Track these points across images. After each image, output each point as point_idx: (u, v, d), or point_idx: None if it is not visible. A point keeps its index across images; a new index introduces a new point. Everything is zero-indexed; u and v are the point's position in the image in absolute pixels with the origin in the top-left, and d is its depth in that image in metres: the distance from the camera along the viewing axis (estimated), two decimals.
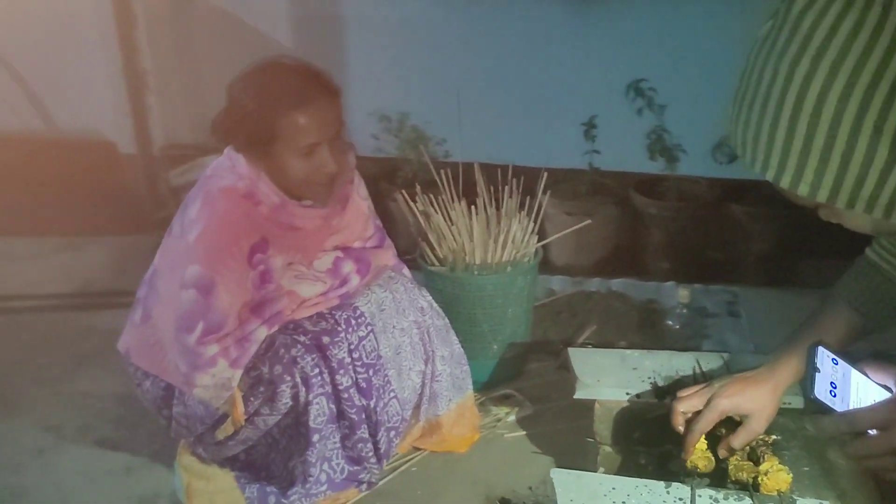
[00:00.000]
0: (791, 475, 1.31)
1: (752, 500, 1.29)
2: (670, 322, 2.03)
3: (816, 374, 1.01)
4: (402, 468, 1.82)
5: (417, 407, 1.81)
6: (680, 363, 1.67)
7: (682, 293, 2.01)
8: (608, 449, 1.60)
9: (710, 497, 1.31)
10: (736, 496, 1.31)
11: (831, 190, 0.83)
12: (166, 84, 3.10)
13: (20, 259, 2.97)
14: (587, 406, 1.85)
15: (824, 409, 1.00)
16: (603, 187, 2.72)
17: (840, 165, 0.81)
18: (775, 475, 1.31)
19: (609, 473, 1.46)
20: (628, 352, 1.74)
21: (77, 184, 3.29)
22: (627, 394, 1.60)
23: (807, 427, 1.35)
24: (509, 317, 2.04)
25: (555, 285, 2.59)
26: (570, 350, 1.75)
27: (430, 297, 1.82)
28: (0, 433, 2.00)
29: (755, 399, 1.31)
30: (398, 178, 2.69)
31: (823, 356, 1.02)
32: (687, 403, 1.37)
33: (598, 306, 2.45)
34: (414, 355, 1.76)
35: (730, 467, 1.36)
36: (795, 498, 1.30)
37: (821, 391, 0.99)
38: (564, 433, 1.90)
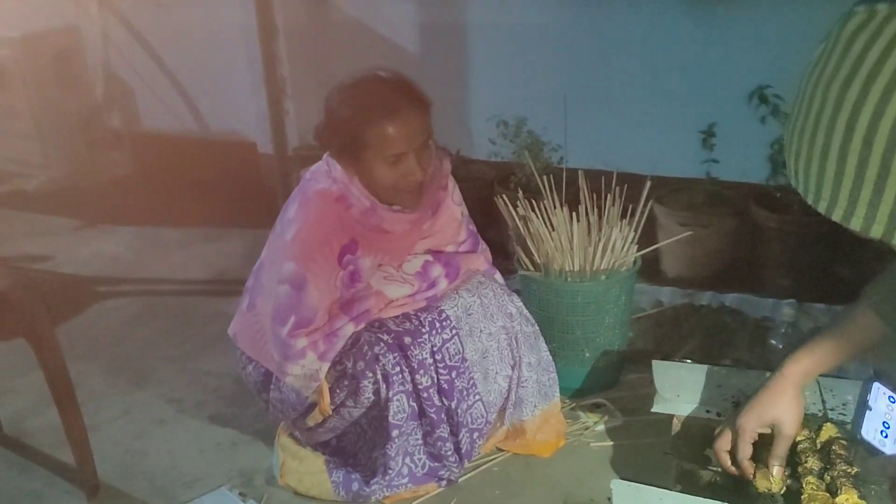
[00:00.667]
0: None
1: None
2: (773, 341, 1.96)
3: (867, 412, 0.96)
4: (484, 467, 1.87)
5: (503, 410, 1.85)
6: None
7: (787, 311, 1.93)
8: (686, 466, 1.58)
9: None
10: None
11: (886, 226, 0.78)
12: (302, 90, 3.30)
13: (166, 246, 3.26)
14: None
15: (872, 451, 0.95)
16: (721, 198, 2.64)
17: (895, 199, 0.77)
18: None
19: (685, 492, 1.44)
20: (715, 368, 1.71)
21: (220, 180, 3.57)
22: (708, 411, 1.57)
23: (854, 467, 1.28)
24: (604, 325, 2.03)
25: (664, 297, 2.55)
26: (655, 363, 1.74)
27: (520, 303, 1.85)
28: (130, 402, 2.22)
29: (775, 406, 1.32)
30: (511, 183, 2.73)
31: (878, 393, 0.97)
32: (723, 441, 1.37)
33: (705, 320, 2.39)
34: (501, 360, 1.80)
35: (804, 495, 1.32)
36: None
37: (869, 431, 0.95)
38: (651, 447, 1.88)
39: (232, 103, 3.55)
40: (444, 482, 1.78)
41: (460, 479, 1.81)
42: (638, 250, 2.09)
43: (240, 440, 2.02)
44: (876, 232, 0.80)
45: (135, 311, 2.75)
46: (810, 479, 1.33)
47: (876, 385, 0.97)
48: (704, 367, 1.72)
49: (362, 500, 1.75)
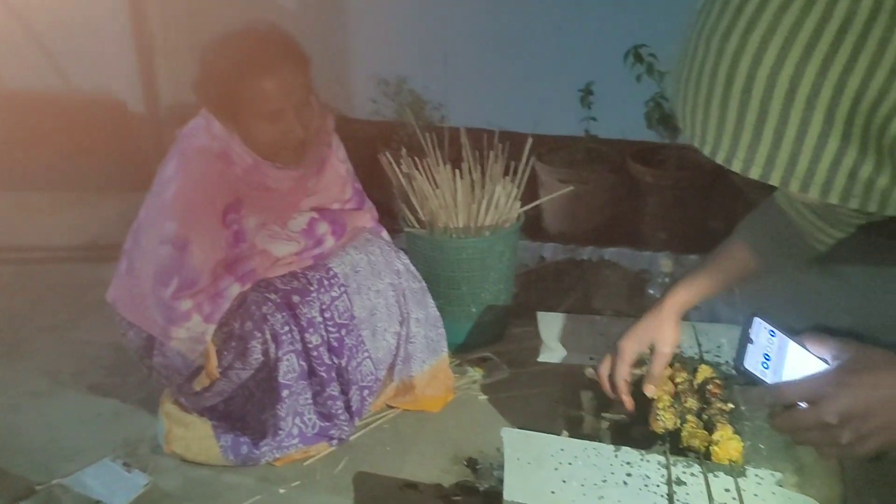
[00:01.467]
0: (743, 444, 1.34)
1: (702, 467, 1.32)
2: (652, 291, 2.05)
3: (749, 345, 1.02)
4: (374, 425, 1.88)
5: (391, 367, 1.86)
6: None
7: (664, 262, 2.02)
8: (573, 413, 1.64)
9: (659, 463, 1.34)
10: (686, 463, 1.34)
11: (764, 167, 0.83)
12: (174, 46, 3.15)
13: (34, 212, 3.08)
14: (560, 371, 1.90)
15: (754, 381, 1.01)
16: (600, 155, 2.71)
17: (773, 142, 0.81)
18: (726, 444, 1.34)
19: (572, 437, 1.50)
20: (597, 318, 1.77)
21: (89, 141, 3.39)
22: (592, 359, 1.63)
23: (736, 399, 1.37)
24: (489, 280, 2.07)
25: (546, 252, 2.61)
26: (540, 314, 1.79)
27: (407, 260, 1.86)
28: (2, 375, 2.10)
29: (652, 328, 1.42)
30: (394, 142, 2.72)
31: (759, 328, 1.03)
32: (605, 365, 1.45)
33: (586, 274, 2.47)
34: (389, 317, 1.81)
35: (683, 434, 1.39)
36: (746, 468, 1.33)
37: (751, 362, 1.00)
38: (537, 397, 1.94)
39: (99, 61, 3.35)
40: (335, 441, 1.78)
41: (351, 438, 1.82)
42: (521, 207, 2.13)
43: (122, 410, 1.96)
44: (755, 173, 0.84)
45: (4, 282, 2.59)
46: (690, 417, 1.41)
47: (756, 320, 1.03)
48: (587, 317, 1.78)
49: (252, 463, 1.73)
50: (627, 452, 1.36)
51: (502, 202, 2.09)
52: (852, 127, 0.79)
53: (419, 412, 1.91)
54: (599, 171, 2.67)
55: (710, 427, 1.39)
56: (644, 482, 1.28)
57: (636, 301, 2.34)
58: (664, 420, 1.40)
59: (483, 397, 1.97)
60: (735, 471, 1.31)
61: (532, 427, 1.83)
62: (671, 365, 1.54)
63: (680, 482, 1.28)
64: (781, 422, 0.95)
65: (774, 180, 0.84)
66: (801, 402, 0.92)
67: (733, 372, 1.54)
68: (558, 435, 1.51)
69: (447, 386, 1.95)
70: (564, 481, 1.28)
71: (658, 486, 1.27)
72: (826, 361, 0.97)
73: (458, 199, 2.07)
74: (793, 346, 1.00)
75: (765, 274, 1.37)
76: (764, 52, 0.78)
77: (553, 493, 1.26)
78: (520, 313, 2.24)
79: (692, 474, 1.30)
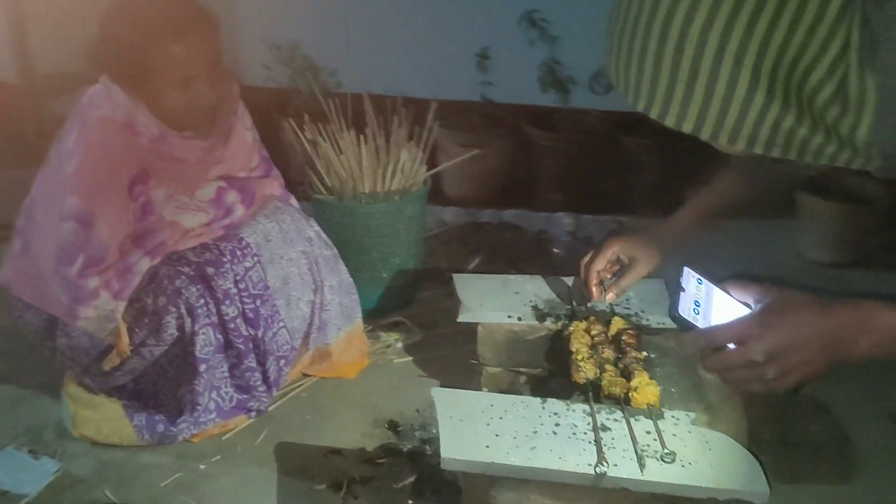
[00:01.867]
0: (660, 389, 1.41)
1: (623, 413, 1.38)
2: (556, 250, 2.12)
3: (681, 293, 1.07)
4: (292, 394, 1.87)
5: (307, 336, 1.85)
6: (559, 287, 1.75)
7: (568, 222, 2.09)
8: (491, 370, 1.68)
9: (584, 411, 1.40)
10: (608, 410, 1.40)
11: (696, 122, 0.87)
12: (48, 9, 2.95)
13: None
14: (474, 331, 1.93)
15: (687, 327, 1.07)
16: (496, 119, 2.76)
17: (704, 98, 0.85)
18: (644, 390, 1.41)
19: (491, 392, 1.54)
20: (511, 277, 1.81)
21: None
22: (510, 317, 1.67)
23: (673, 344, 1.44)
24: (399, 245, 2.08)
25: (447, 216, 2.64)
26: (456, 276, 1.81)
27: (318, 227, 1.84)
28: None
29: (643, 246, 1.48)
30: (290, 109, 2.66)
31: (689, 277, 1.09)
32: (588, 256, 1.53)
33: (488, 236, 2.52)
34: (302, 285, 1.79)
35: (603, 383, 1.45)
36: (663, 410, 1.40)
37: (684, 309, 1.06)
38: (451, 357, 1.98)
39: None
40: (253, 413, 1.76)
41: (270, 409, 1.80)
42: (427, 171, 2.14)
43: (21, 396, 1.86)
44: (687, 128, 0.89)
45: None
46: (608, 367, 1.47)
47: (686, 270, 1.10)
48: (501, 277, 1.82)
49: (168, 441, 1.69)
50: (553, 404, 1.41)
51: (408, 167, 2.10)
52: (776, 82, 0.84)
53: (336, 379, 1.91)
54: (497, 136, 2.71)
55: (626, 375, 1.45)
56: (572, 430, 1.34)
57: (539, 260, 2.41)
58: (585, 371, 1.45)
59: (398, 361, 1.99)
60: (654, 414, 1.38)
61: (451, 386, 1.88)
62: (586, 318, 1.61)
63: (605, 428, 1.34)
64: (712, 363, 1.01)
65: (705, 134, 0.89)
66: (730, 343, 0.98)
67: (643, 322, 1.62)
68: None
69: (362, 352, 1.95)
70: (497, 435, 1.32)
71: (585, 433, 1.33)
72: (749, 306, 1.04)
73: (363, 165, 2.06)
74: (718, 293, 1.07)
75: (752, 200, 1.48)
76: (696, 10, 0.81)
77: (488, 447, 1.29)
78: (427, 277, 2.27)
79: (615, 420, 1.37)
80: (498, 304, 1.69)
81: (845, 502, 1.58)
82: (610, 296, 1.56)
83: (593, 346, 1.52)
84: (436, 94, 2.51)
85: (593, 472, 1.25)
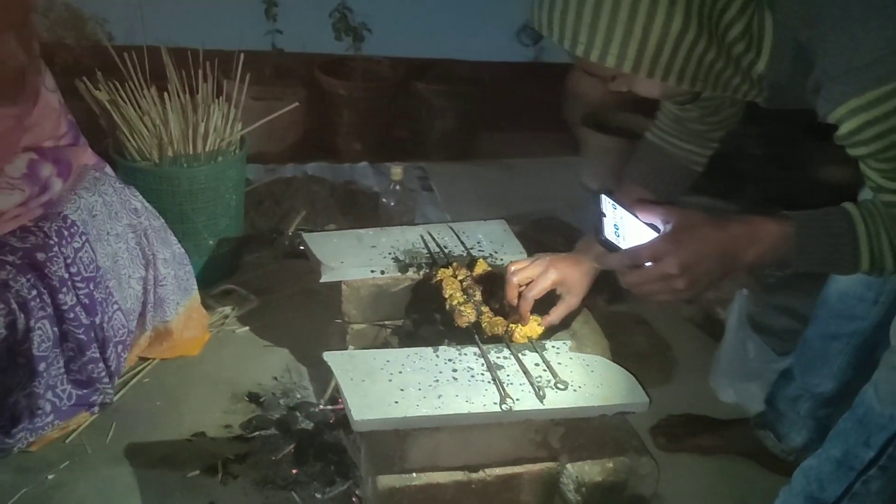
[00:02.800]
0: (539, 322, 1.48)
1: (510, 350, 1.43)
2: (385, 200, 2.10)
3: (603, 219, 1.12)
4: (133, 382, 1.71)
5: (143, 315, 1.69)
6: (413, 237, 1.75)
7: (395, 171, 2.06)
8: (357, 327, 1.65)
9: (475, 354, 1.42)
10: (496, 349, 1.44)
11: (634, 61, 0.94)
12: None
13: None
14: (316, 290, 1.88)
15: (612, 248, 1.13)
16: (288, 69, 2.65)
17: (642, 37, 0.92)
18: (528, 325, 1.47)
19: (360, 349, 1.52)
20: (362, 231, 1.77)
21: None
22: (372, 271, 1.64)
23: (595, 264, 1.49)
24: (223, 209, 1.95)
25: (250, 174, 2.51)
26: (307, 236, 1.73)
27: (142, 197, 1.67)
28: None
29: (576, 277, 1.44)
30: (56, 66, 2.35)
31: (606, 203, 1.13)
32: (522, 275, 1.45)
33: (299, 192, 2.44)
34: (132, 261, 1.63)
35: (484, 325, 1.48)
36: (544, 343, 1.47)
37: (609, 233, 1.11)
38: (295, 320, 1.92)
39: None
40: (96, 408, 1.58)
41: (113, 401, 1.63)
42: (242, 129, 2.01)
43: None
44: (626, 67, 0.95)
45: None
46: (484, 308, 1.51)
47: (602, 197, 1.15)
48: (353, 232, 1.77)
49: (3, 455, 1.47)
50: (446, 350, 1.42)
51: (220, 125, 1.96)
52: (702, 19, 0.94)
53: (178, 359, 1.77)
54: (290, 86, 2.61)
55: (501, 313, 1.50)
56: (470, 374, 1.36)
57: (355, 212, 2.39)
58: (467, 314, 1.48)
59: (240, 330, 1.89)
60: (537, 347, 1.45)
61: (298, 350, 1.83)
62: (450, 264, 1.63)
63: (498, 366, 1.38)
64: (632, 279, 1.09)
65: (643, 71, 0.96)
66: (649, 262, 1.06)
67: (499, 262, 1.67)
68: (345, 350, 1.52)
69: (203, 325, 1.82)
70: (402, 389, 1.30)
71: (482, 374, 1.36)
72: (656, 227, 1.12)
73: (171, 126, 1.89)
74: (630, 216, 1.14)
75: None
76: None
77: (396, 402, 1.27)
78: (247, 241, 2.16)
79: (504, 357, 1.41)
80: (358, 259, 1.66)
81: (670, 399, 1.77)
82: (536, 330, 1.48)
83: (464, 291, 1.55)
84: (220, 43, 2.34)
85: (500, 409, 1.29)
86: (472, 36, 2.75)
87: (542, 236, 2.27)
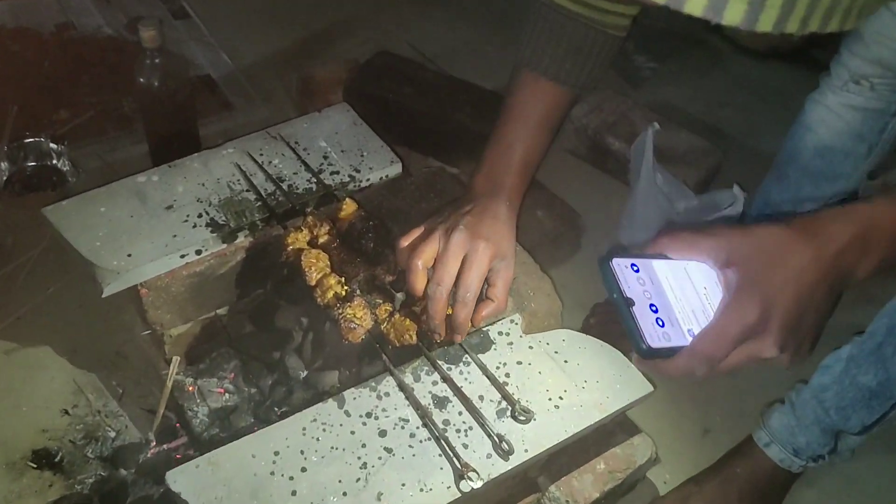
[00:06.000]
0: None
1: (437, 368, 0.96)
2: (143, 79, 1.33)
3: (632, 309, 0.60)
4: None
5: None
6: (224, 171, 1.14)
7: (148, 34, 1.29)
8: (176, 332, 1.10)
9: (397, 388, 0.94)
10: (427, 369, 0.96)
11: None
12: None
13: None
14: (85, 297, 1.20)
15: (666, 355, 0.63)
16: None
17: None
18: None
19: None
20: (141, 178, 1.12)
21: None
22: (183, 256, 1.05)
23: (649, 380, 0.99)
24: None
25: None
26: (53, 214, 1.06)
27: None
28: None
29: (505, 237, 0.93)
30: None
31: (622, 271, 0.62)
32: (426, 254, 0.90)
33: None
34: None
35: (389, 334, 0.97)
36: (487, 329, 1.00)
37: (651, 335, 0.61)
38: (57, 311, 1.26)
39: None
40: None
41: None
42: None
43: None
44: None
45: None
46: (379, 301, 0.99)
47: (613, 263, 0.62)
48: (128, 183, 1.11)
49: None
50: (356, 399, 0.92)
51: None
52: None
53: None
54: None
55: (412, 316, 0.98)
56: (409, 434, 0.88)
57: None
58: (359, 322, 0.94)
59: None
60: (482, 336, 0.99)
61: (97, 341, 1.20)
62: (301, 213, 1.06)
63: (440, 405, 0.92)
64: (717, 373, 0.65)
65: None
66: (729, 350, 0.63)
67: (365, 184, 1.12)
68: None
69: None
70: None
71: (419, 427, 0.89)
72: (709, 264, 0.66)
73: None
74: (661, 274, 0.65)
75: (578, 100, 1.02)
76: None
77: None
78: None
79: (434, 383, 0.94)
80: (153, 240, 1.03)
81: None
82: (477, 319, 0.94)
83: (337, 269, 1.00)
84: None
85: (459, 492, 0.86)
86: None
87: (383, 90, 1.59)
